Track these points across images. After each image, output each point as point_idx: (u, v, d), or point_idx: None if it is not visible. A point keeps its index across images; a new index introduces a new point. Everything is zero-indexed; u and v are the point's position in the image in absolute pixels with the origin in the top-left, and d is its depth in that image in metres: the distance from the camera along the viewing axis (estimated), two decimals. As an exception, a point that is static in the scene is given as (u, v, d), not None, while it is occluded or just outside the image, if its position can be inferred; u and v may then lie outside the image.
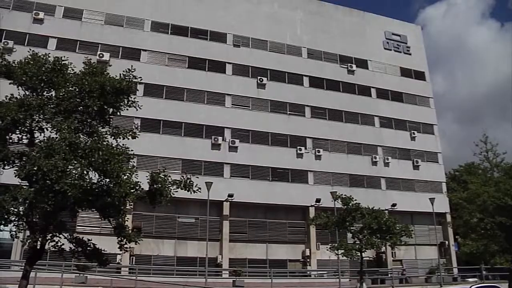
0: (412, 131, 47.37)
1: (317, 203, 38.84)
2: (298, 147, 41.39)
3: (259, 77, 42.42)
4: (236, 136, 39.94)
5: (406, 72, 50.23)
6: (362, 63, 47.87)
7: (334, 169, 42.36)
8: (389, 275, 37.89)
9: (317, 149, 42.07)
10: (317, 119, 43.68)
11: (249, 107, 41.86)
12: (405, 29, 52.97)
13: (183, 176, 15.57)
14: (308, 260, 39.31)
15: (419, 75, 50.96)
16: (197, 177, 16.12)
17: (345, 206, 26.85)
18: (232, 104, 41.28)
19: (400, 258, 42.41)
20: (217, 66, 41.83)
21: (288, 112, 42.90)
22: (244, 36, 43.76)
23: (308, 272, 39.32)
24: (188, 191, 15.49)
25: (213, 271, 34.98)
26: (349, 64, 46.81)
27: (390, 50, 50.50)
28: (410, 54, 51.37)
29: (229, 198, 37.51)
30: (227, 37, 43.17)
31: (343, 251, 26.49)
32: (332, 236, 33.43)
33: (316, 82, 44.98)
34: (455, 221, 42.67)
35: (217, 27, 42.94)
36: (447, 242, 44.78)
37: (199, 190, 15.77)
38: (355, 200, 26.64)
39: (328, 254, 32.09)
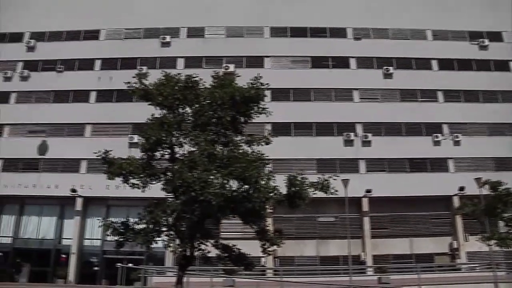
0: None
1: (461, 191, 36.38)
2: (434, 135, 39.19)
3: (384, 67, 40.97)
4: (368, 130, 38.90)
5: (552, 37, 44.98)
6: (495, 36, 43.91)
7: (476, 154, 39.27)
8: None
9: (455, 135, 39.46)
10: (451, 103, 41.03)
11: (377, 99, 40.59)
12: (545, -14, 47.67)
13: (319, 178, 15.53)
14: (457, 252, 37.08)
15: None
16: (335, 179, 15.91)
17: (494, 192, 24.84)
18: (360, 98, 40.34)
19: None
20: (341, 62, 41.15)
21: (420, 99, 40.91)
22: (364, 27, 42.60)
23: (458, 266, 37.07)
24: (325, 193, 15.43)
25: (357, 269, 34.41)
26: (480, 40, 43.28)
27: (528, 14, 45.79)
28: (554, 15, 46.12)
29: (367, 193, 36.67)
30: (347, 32, 42.36)
31: (496, 241, 24.54)
32: (482, 225, 31.16)
33: (446, 64, 42.30)
34: None
35: (335, 23, 42.29)
36: None
37: (337, 191, 15.64)
38: (506, 184, 24.52)
39: (478, 245, 30.03)
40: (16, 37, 43.68)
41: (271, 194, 14.74)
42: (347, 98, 40.01)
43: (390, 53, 41.64)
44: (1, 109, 41.07)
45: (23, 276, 36.36)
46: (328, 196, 16.35)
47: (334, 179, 15.93)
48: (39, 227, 39.12)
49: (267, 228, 16.44)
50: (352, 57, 41.34)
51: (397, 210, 37.82)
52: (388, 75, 40.89)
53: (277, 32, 41.92)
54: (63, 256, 37.04)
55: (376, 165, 38.21)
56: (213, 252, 16.81)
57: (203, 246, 16.10)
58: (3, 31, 44.00)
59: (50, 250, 37.68)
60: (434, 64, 42.11)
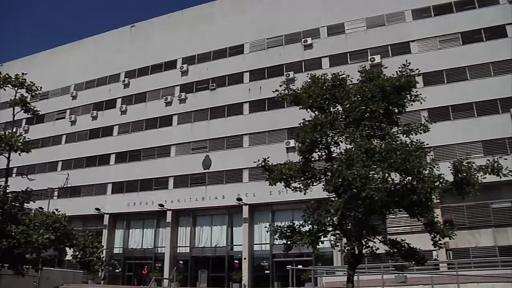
0: None
1: None
2: None
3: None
4: (541, 102, 34.45)
5: None
6: None
7: None
8: None
9: None
10: None
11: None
12: None
13: (488, 160, 14.51)
14: None
15: None
16: (505, 158, 14.70)
17: None
18: (529, 69, 35.71)
19: None
20: (496, 32, 36.65)
21: None
22: (519, -12, 37.93)
23: None
24: (497, 175, 14.33)
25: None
26: None
27: None
28: None
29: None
30: (499, -5, 38.09)
31: None
32: None
33: None
34: None
35: (482, -12, 38.51)
36: None
37: (510, 173, 14.44)
38: None
39: None
40: (170, 65, 47.95)
41: (437, 183, 14.12)
42: (510, 70, 35.56)
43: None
44: (166, 131, 45.16)
45: (203, 281, 39.40)
46: (500, 180, 15.28)
47: (505, 159, 14.76)
48: (211, 236, 42.07)
49: (436, 219, 15.69)
50: (509, 23, 37.03)
51: None
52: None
53: (419, 13, 39.60)
54: (236, 261, 39.32)
55: (554, 140, 33.93)
56: (382, 249, 16.51)
57: (371, 243, 15.91)
58: (159, 61, 48.45)
59: (224, 256, 40.26)
60: None
